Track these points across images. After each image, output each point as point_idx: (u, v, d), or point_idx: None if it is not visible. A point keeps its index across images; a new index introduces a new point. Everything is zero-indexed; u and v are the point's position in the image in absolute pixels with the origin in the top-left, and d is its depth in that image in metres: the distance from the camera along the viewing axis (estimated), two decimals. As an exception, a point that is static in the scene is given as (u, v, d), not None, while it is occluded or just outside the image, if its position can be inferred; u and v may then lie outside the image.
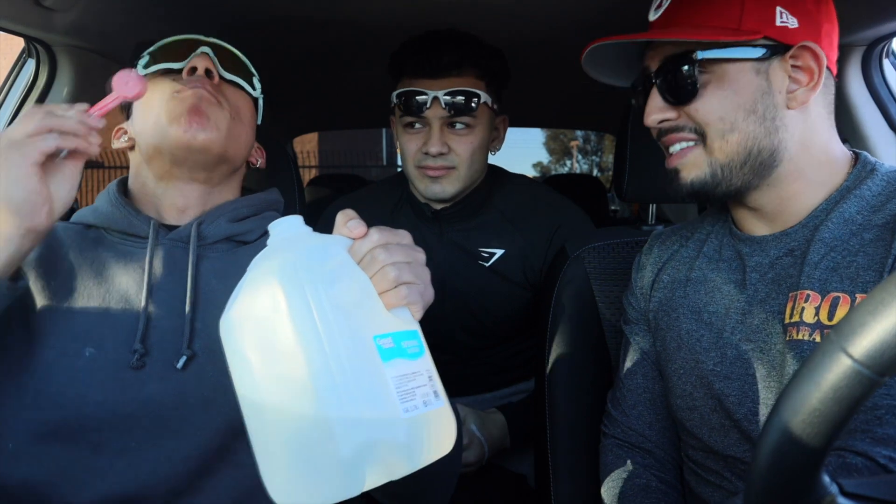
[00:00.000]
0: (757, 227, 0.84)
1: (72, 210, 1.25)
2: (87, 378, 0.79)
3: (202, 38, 0.93)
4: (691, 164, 0.80)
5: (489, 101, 1.25)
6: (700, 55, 0.76)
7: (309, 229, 0.61)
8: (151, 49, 0.92)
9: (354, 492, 0.52)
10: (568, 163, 23.43)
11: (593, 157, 22.84)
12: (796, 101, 0.76)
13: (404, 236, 0.65)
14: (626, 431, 0.95)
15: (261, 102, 1.01)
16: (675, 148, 0.82)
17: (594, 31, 1.44)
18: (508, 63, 1.31)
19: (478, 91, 1.22)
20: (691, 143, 0.80)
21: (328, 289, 0.55)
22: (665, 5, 0.80)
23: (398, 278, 0.60)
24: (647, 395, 0.95)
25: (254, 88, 0.98)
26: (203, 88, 0.88)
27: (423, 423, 0.56)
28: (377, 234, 0.61)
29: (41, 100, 1.26)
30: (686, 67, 0.76)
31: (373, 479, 0.53)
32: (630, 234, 1.14)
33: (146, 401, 0.79)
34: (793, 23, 0.75)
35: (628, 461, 0.94)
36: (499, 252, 1.32)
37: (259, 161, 1.05)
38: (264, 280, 0.56)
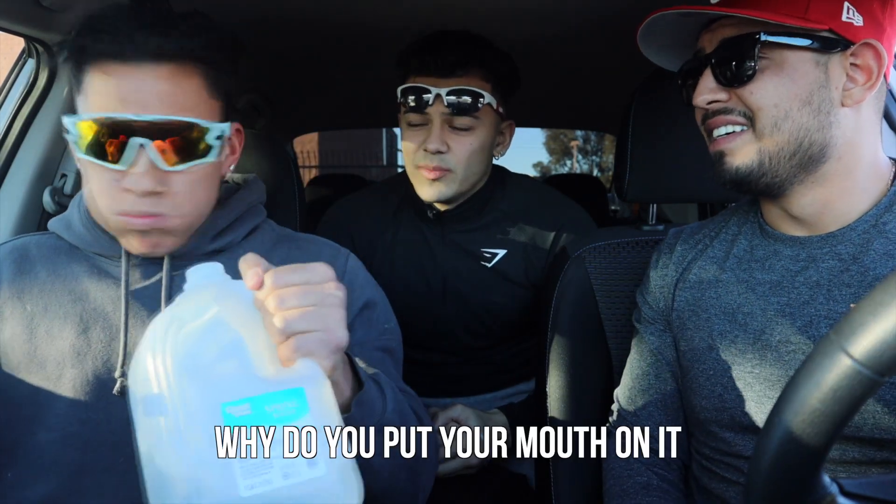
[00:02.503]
0: (793, 229, 0.83)
1: (56, 211, 1.25)
2: (69, 399, 0.78)
3: (135, 119, 0.75)
4: (739, 149, 0.79)
5: (493, 104, 1.25)
6: (763, 38, 0.75)
7: (224, 277, 0.60)
8: (79, 122, 0.77)
9: None
10: (568, 163, 23.43)
11: (593, 157, 22.84)
12: (851, 98, 0.76)
13: (318, 273, 0.61)
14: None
15: (226, 132, 0.85)
16: (719, 131, 0.81)
17: (595, 31, 1.45)
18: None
19: (482, 91, 1.21)
20: (738, 128, 0.79)
21: (183, 353, 0.55)
22: None
23: (286, 329, 0.57)
24: (657, 396, 0.94)
25: (209, 151, 0.81)
26: (150, 218, 0.79)
27: (273, 499, 0.54)
28: (271, 280, 0.58)
29: (41, 100, 1.26)
30: (747, 49, 0.76)
31: None
32: (630, 234, 1.14)
33: (130, 419, 0.79)
34: (858, 20, 0.75)
35: (631, 459, 0.93)
36: (501, 252, 1.32)
37: (232, 165, 0.93)
38: (143, 345, 0.57)
